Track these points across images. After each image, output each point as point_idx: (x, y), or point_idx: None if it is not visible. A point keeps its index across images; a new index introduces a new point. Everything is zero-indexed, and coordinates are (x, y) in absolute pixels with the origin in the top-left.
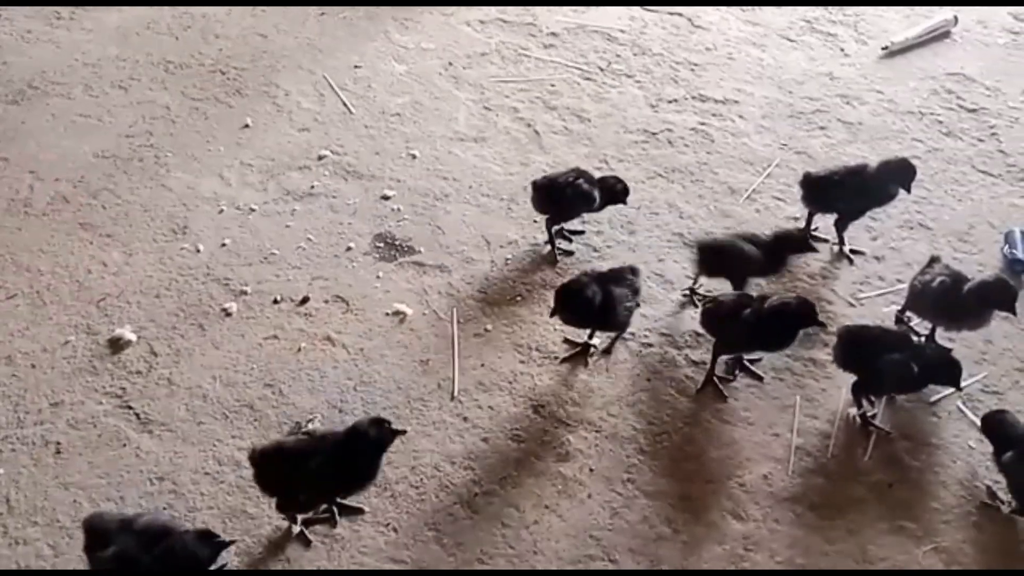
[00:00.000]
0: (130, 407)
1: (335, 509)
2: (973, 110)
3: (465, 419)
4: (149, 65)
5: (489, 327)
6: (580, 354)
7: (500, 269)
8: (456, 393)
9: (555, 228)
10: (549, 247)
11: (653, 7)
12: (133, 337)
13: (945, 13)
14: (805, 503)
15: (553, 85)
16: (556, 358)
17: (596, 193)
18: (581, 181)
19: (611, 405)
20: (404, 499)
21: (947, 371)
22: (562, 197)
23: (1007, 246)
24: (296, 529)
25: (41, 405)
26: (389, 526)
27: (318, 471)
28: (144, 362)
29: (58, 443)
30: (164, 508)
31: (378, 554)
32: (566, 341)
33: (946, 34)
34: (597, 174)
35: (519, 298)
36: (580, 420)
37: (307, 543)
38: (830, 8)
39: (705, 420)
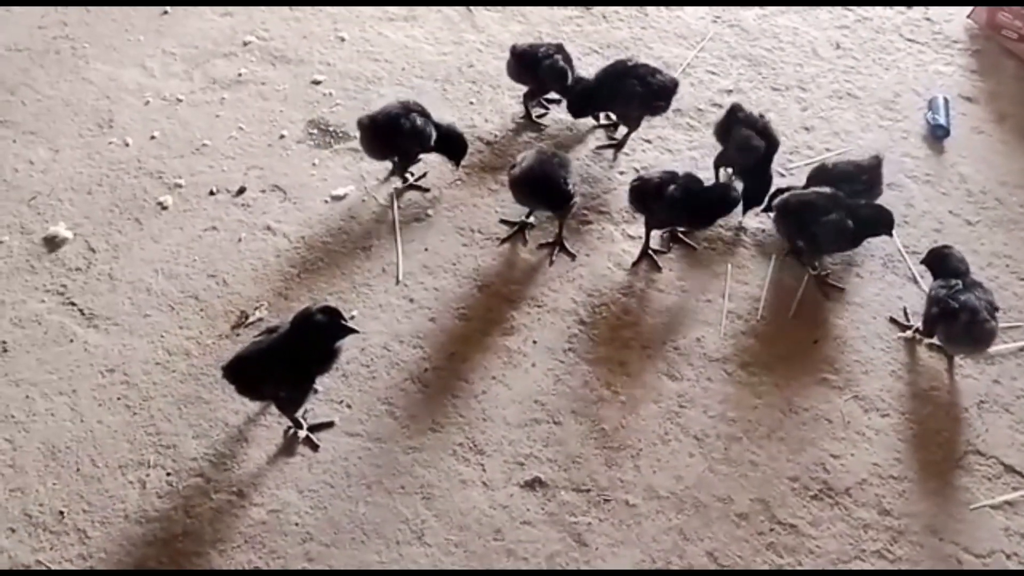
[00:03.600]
0: (73, 303)
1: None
2: None
3: (411, 300)
4: None
5: (430, 212)
6: (519, 233)
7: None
8: (401, 276)
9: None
10: (524, 116)
11: None
12: (69, 234)
13: None
14: (736, 362)
15: None
16: (497, 239)
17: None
18: (558, 56)
19: (551, 281)
20: (355, 378)
21: (882, 220)
22: (539, 69)
23: (930, 112)
24: (302, 435)
25: None
26: (343, 403)
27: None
28: (83, 259)
29: (3, 342)
30: (117, 399)
31: (335, 430)
32: (503, 222)
33: None
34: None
35: (459, 182)
36: (522, 297)
37: (315, 447)
38: None
39: (640, 290)
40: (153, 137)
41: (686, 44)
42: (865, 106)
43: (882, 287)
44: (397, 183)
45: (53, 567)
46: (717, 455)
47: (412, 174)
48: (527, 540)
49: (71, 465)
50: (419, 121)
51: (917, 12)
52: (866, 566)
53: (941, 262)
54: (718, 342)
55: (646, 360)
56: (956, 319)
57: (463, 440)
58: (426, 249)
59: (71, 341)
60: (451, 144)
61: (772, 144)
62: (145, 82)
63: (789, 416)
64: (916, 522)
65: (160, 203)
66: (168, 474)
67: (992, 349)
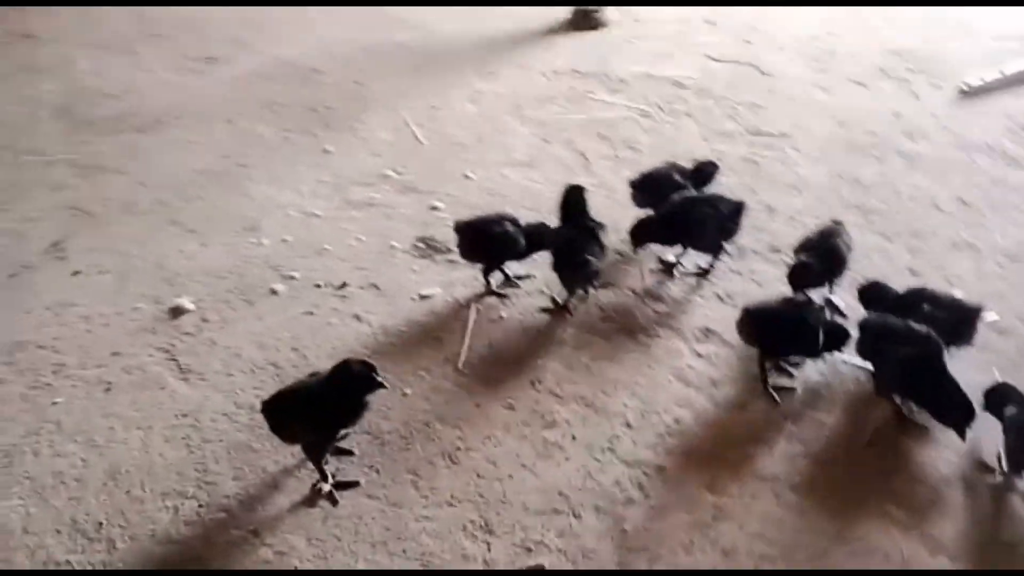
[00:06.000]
0: (175, 359)
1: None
2: None
3: (464, 388)
4: (256, 105)
5: (504, 315)
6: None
7: (527, 269)
8: (461, 365)
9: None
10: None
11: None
12: (192, 307)
13: None
14: (787, 483)
15: (611, 122)
16: (560, 343)
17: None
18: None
19: (607, 385)
20: (391, 447)
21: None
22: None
23: None
24: (326, 488)
25: (103, 354)
26: (372, 468)
27: (311, 404)
28: (195, 326)
29: (109, 383)
30: (182, 438)
31: (357, 490)
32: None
33: None
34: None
35: (540, 291)
36: (574, 395)
37: (335, 502)
38: (905, 55)
39: (699, 405)
40: (284, 240)
41: (796, 195)
42: (984, 255)
43: (978, 431)
44: (480, 287)
45: (76, 567)
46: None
47: (512, 279)
48: None
49: (124, 486)
50: (510, 228)
51: None
52: None
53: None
54: (773, 462)
55: (688, 470)
56: None
57: (476, 518)
58: (491, 345)
59: (162, 389)
60: (537, 241)
61: None
62: (293, 200)
63: (837, 545)
64: None
65: (272, 289)
66: (200, 506)
67: None
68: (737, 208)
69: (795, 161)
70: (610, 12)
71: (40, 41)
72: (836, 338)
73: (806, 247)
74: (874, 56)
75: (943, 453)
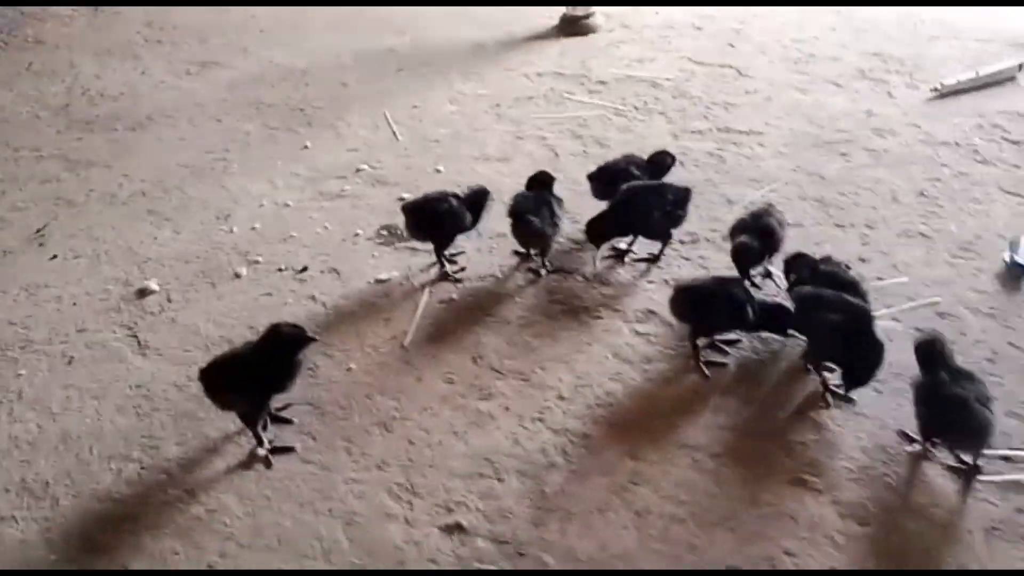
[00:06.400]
0: (135, 336)
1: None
2: (1017, 142)
3: (408, 363)
4: (244, 105)
5: (455, 297)
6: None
7: (485, 255)
8: (407, 343)
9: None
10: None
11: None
12: (157, 288)
13: (1009, 60)
14: (707, 451)
15: (585, 120)
16: (505, 323)
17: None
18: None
19: (546, 362)
20: (330, 417)
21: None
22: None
23: (1010, 252)
24: (261, 452)
25: (70, 330)
26: (309, 435)
27: (245, 369)
28: (159, 306)
29: (72, 357)
30: (133, 407)
31: (292, 456)
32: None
33: (1011, 79)
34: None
35: (493, 277)
36: (512, 371)
37: (269, 465)
38: (886, 57)
39: (631, 379)
40: (254, 228)
41: (756, 187)
42: (936, 244)
43: (900, 403)
44: (434, 272)
45: (20, 522)
46: (654, 532)
47: (452, 262)
48: None
49: (73, 450)
50: (454, 204)
51: None
52: None
53: (926, 356)
54: (695, 432)
55: (611, 438)
56: (946, 412)
57: (403, 480)
58: (439, 326)
59: (120, 362)
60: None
61: None
62: (267, 192)
63: (749, 509)
64: None
65: (236, 273)
66: (142, 468)
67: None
68: (684, 195)
69: (760, 156)
70: (599, 18)
71: (49, 47)
72: (766, 314)
73: (741, 228)
74: (854, 58)
75: (864, 424)
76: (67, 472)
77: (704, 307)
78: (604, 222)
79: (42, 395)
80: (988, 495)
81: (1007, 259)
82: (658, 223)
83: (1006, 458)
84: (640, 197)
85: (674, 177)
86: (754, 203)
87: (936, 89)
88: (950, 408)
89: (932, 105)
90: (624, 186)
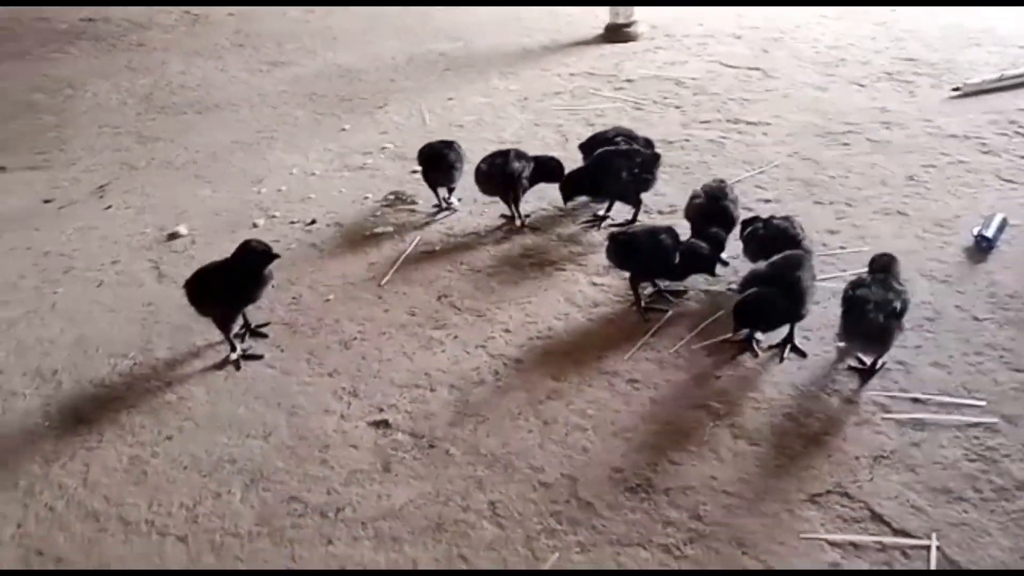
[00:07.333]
0: (158, 268)
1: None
2: None
3: (380, 298)
4: (300, 96)
5: (438, 248)
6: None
7: (474, 216)
8: (384, 282)
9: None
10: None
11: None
12: (185, 232)
13: None
14: (625, 378)
15: (602, 111)
16: (476, 271)
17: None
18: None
19: (503, 303)
20: (300, 335)
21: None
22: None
23: (980, 226)
24: (233, 356)
25: (105, 261)
26: (278, 347)
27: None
28: (183, 247)
29: (102, 280)
30: (141, 320)
31: (260, 362)
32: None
33: None
34: None
35: (475, 234)
36: (470, 309)
37: (238, 367)
38: (919, 63)
39: (574, 318)
40: (280, 190)
41: (748, 168)
42: (911, 221)
43: (827, 350)
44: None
45: (27, 397)
46: (555, 437)
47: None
48: (343, 457)
49: (83, 348)
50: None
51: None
52: (644, 555)
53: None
54: (620, 362)
55: (540, 363)
56: (846, 311)
57: (347, 385)
58: (416, 270)
59: (140, 287)
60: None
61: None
62: (299, 163)
63: (647, 424)
64: (725, 532)
65: (255, 224)
66: (134, 364)
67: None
68: (652, 160)
69: (761, 144)
70: (642, 27)
71: (147, 49)
72: (695, 260)
73: (697, 195)
74: (885, 62)
75: (785, 365)
76: (74, 363)
77: (636, 254)
78: (574, 179)
79: (71, 308)
80: (887, 429)
81: (975, 232)
82: (626, 186)
83: (917, 400)
84: (609, 160)
85: (673, 160)
86: (728, 180)
87: (958, 88)
88: (849, 308)
89: (950, 103)
90: (599, 150)
